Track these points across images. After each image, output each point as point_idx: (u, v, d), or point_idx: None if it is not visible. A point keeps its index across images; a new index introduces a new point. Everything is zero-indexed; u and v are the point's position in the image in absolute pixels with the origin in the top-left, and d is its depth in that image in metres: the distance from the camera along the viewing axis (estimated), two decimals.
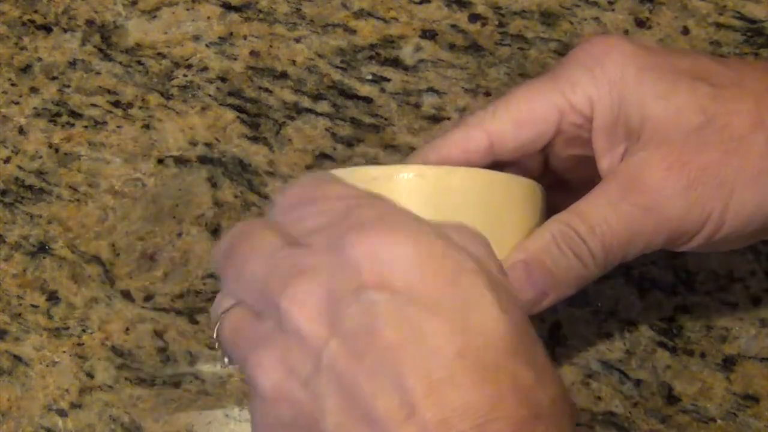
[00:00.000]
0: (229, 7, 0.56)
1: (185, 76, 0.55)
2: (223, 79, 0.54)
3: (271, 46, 0.55)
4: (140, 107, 0.54)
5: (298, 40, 0.55)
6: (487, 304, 0.32)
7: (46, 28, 0.56)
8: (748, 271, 0.49)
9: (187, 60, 0.55)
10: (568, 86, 0.41)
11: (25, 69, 0.55)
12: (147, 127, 0.54)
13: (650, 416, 0.47)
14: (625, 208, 0.39)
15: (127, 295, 0.50)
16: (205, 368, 0.49)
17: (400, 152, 0.52)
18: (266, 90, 0.54)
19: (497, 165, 0.42)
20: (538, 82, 0.42)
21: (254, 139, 0.53)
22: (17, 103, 0.55)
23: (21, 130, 0.54)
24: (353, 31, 0.55)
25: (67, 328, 0.50)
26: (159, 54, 0.55)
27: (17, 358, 0.50)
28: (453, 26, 0.55)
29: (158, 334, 0.50)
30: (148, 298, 0.50)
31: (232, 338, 0.35)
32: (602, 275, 0.40)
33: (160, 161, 0.53)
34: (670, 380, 0.48)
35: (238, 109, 0.54)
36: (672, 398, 0.48)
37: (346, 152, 0.53)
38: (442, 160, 0.42)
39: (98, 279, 0.51)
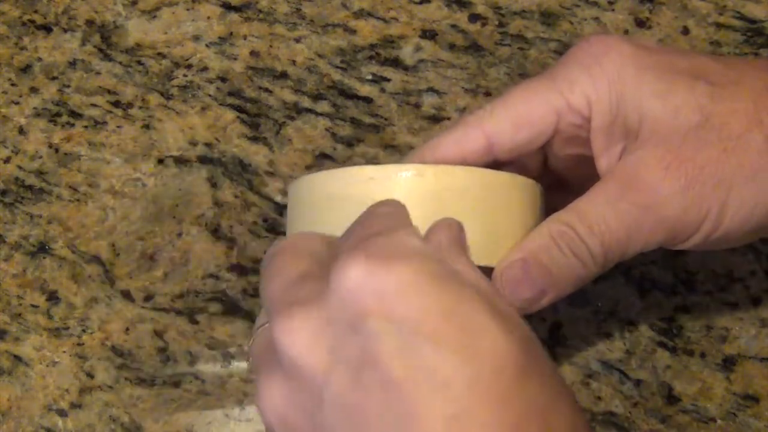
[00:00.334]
0: (229, 7, 0.56)
1: (185, 76, 0.55)
2: (223, 79, 0.54)
3: (271, 46, 0.55)
4: (140, 107, 0.54)
5: (298, 40, 0.55)
6: (492, 329, 0.32)
7: (46, 28, 0.56)
8: (748, 271, 0.49)
9: (187, 60, 0.55)
10: (566, 86, 0.41)
11: (25, 69, 0.55)
12: (147, 127, 0.54)
13: (650, 416, 0.47)
14: (624, 207, 0.39)
15: (127, 295, 0.50)
16: (205, 368, 0.49)
17: (400, 152, 0.52)
18: (266, 90, 0.54)
19: (496, 164, 0.42)
20: (536, 82, 0.42)
21: (254, 139, 0.53)
22: (17, 103, 0.55)
23: (21, 130, 0.54)
24: (353, 31, 0.55)
25: (67, 328, 0.50)
26: (159, 54, 0.55)
27: (17, 358, 0.50)
28: (453, 26, 0.55)
29: (158, 334, 0.50)
30: (148, 298, 0.50)
31: (256, 358, 0.35)
32: (600, 274, 0.40)
33: (160, 161, 0.53)
34: (670, 380, 0.48)
35: (238, 109, 0.54)
36: (672, 398, 0.48)
37: (346, 152, 0.53)
38: (440, 159, 0.42)
39: (98, 279, 0.51)
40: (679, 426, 0.47)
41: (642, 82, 0.40)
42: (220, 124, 0.54)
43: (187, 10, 0.56)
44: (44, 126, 0.54)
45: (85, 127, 0.54)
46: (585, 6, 0.54)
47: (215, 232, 0.51)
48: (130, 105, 0.54)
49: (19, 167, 0.53)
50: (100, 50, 0.56)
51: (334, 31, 0.55)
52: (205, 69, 0.55)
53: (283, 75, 0.54)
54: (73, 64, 0.55)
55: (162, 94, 0.54)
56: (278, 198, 0.52)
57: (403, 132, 0.53)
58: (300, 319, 0.32)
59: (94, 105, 0.54)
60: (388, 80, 0.54)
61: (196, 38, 0.55)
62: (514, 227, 0.40)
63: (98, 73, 0.55)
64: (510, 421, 0.30)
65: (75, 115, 0.54)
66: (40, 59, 0.56)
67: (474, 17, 0.55)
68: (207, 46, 0.55)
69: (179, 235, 0.52)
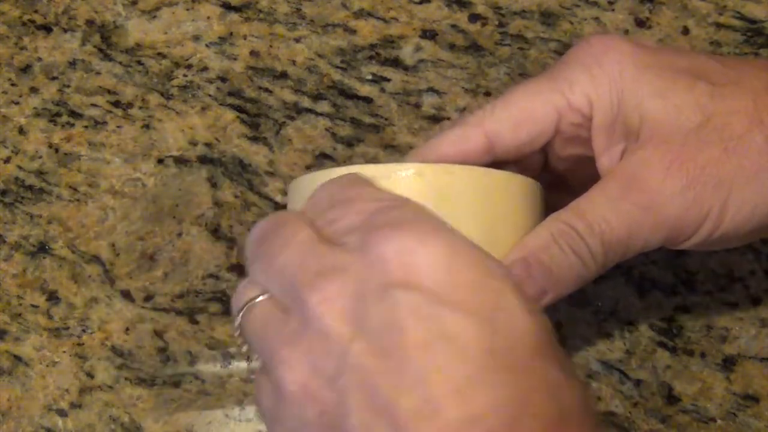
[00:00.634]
0: (229, 7, 0.56)
1: (185, 76, 0.55)
2: (223, 79, 0.54)
3: (271, 46, 0.55)
4: (140, 107, 0.54)
5: (298, 40, 0.55)
6: (515, 307, 0.32)
7: (46, 28, 0.56)
8: (748, 271, 0.49)
9: (187, 60, 0.55)
10: (567, 86, 0.41)
11: (25, 69, 0.55)
12: (147, 127, 0.54)
13: (650, 416, 0.47)
14: (625, 207, 0.39)
15: (127, 295, 0.50)
16: (205, 368, 0.49)
17: (400, 152, 0.52)
18: (266, 90, 0.54)
19: (496, 164, 0.42)
20: (537, 82, 0.42)
21: (254, 139, 0.53)
22: (17, 103, 0.55)
23: (21, 130, 0.54)
24: (353, 31, 0.55)
25: (67, 328, 0.50)
26: (159, 54, 0.55)
27: (17, 358, 0.50)
28: (453, 26, 0.55)
29: (158, 334, 0.50)
30: (148, 298, 0.50)
31: (260, 332, 0.35)
32: (601, 274, 0.40)
33: (160, 161, 0.53)
34: (670, 380, 0.48)
35: (238, 109, 0.54)
36: (672, 398, 0.48)
37: (346, 152, 0.53)
38: (441, 158, 0.42)
39: (98, 279, 0.51)
40: (679, 426, 0.47)
41: (642, 81, 0.40)
42: (220, 124, 0.54)
43: (187, 10, 0.56)
44: (44, 126, 0.54)
45: (85, 127, 0.54)
46: (585, 6, 0.54)
47: (215, 232, 0.51)
48: (130, 105, 0.54)
49: (19, 167, 0.53)
50: (100, 50, 0.56)
51: (334, 31, 0.55)
52: (205, 69, 0.55)
53: (283, 75, 0.54)
54: (73, 64, 0.55)
55: (162, 94, 0.54)
56: (278, 198, 0.52)
57: (403, 132, 0.53)
58: (333, 290, 0.32)
59: (94, 105, 0.54)
60: (388, 80, 0.54)
61: (196, 38, 0.55)
62: (514, 226, 0.40)
63: (98, 73, 0.55)
64: (522, 391, 0.31)
65: (75, 115, 0.54)
66: (40, 59, 0.56)
67: (474, 17, 0.55)
68: (207, 46, 0.55)
69: (179, 235, 0.52)
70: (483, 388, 0.30)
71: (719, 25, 0.54)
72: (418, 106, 0.53)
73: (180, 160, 0.53)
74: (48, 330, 0.50)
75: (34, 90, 0.55)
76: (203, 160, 0.53)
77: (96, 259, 0.51)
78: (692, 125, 0.39)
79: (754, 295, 0.49)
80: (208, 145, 0.53)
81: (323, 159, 0.52)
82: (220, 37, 0.55)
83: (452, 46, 0.54)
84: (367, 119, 0.53)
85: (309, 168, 0.52)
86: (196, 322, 0.50)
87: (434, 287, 0.32)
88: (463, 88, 0.53)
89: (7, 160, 0.54)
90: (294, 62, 0.55)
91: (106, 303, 0.50)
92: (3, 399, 0.49)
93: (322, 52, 0.55)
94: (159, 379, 0.49)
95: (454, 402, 0.30)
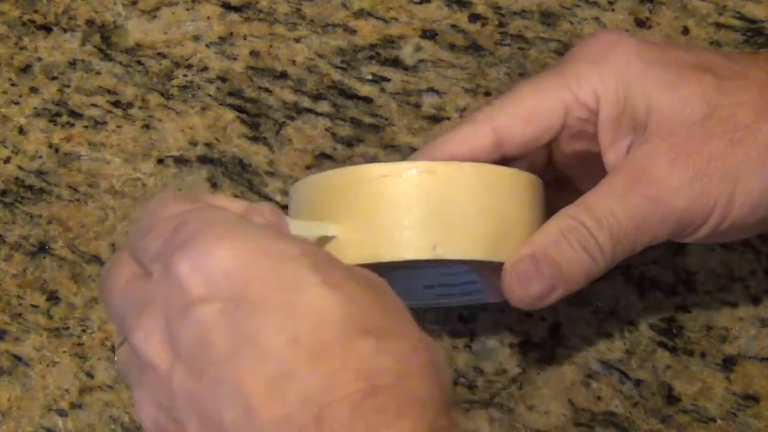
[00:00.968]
0: (229, 7, 0.56)
1: (185, 76, 0.55)
2: (223, 79, 0.54)
3: (271, 46, 0.55)
4: (140, 107, 0.54)
5: (298, 40, 0.55)
6: (312, 284, 0.32)
7: (46, 28, 0.56)
8: (748, 271, 0.49)
9: (187, 60, 0.55)
10: (574, 80, 0.41)
11: (25, 69, 0.55)
12: (147, 127, 0.54)
13: (650, 416, 0.47)
14: (632, 199, 0.39)
15: None
16: None
17: (400, 152, 0.52)
18: (266, 90, 0.54)
19: (502, 160, 0.42)
20: (544, 78, 0.42)
21: (254, 139, 0.53)
22: (17, 103, 0.55)
23: (21, 130, 0.54)
24: (353, 31, 0.55)
25: (67, 328, 0.50)
26: (159, 54, 0.55)
27: (17, 358, 0.50)
28: (453, 26, 0.55)
29: None
30: None
31: (124, 375, 0.35)
32: (610, 269, 0.40)
33: (160, 161, 0.53)
34: (670, 380, 0.48)
35: (238, 109, 0.54)
36: (672, 398, 0.48)
37: (346, 152, 0.53)
38: (450, 156, 0.42)
39: (98, 279, 0.51)
40: (679, 426, 0.47)
41: (649, 75, 0.40)
42: (220, 124, 0.54)
43: (187, 10, 0.56)
44: (44, 126, 0.54)
45: (85, 127, 0.54)
46: (585, 6, 0.54)
47: None
48: (130, 105, 0.54)
49: (19, 167, 0.53)
50: (100, 50, 0.56)
51: (334, 31, 0.55)
52: (205, 69, 0.55)
53: (283, 75, 0.54)
54: (73, 64, 0.55)
55: (162, 94, 0.54)
56: (278, 198, 0.52)
57: (403, 132, 0.53)
58: (148, 324, 0.33)
59: (94, 105, 0.54)
60: (388, 80, 0.54)
61: (196, 38, 0.55)
62: (522, 223, 0.40)
63: (98, 73, 0.55)
64: (324, 374, 0.30)
65: (75, 115, 0.54)
66: (40, 59, 0.56)
67: (474, 17, 0.55)
68: (207, 46, 0.55)
69: None
70: (292, 381, 0.30)
71: (719, 25, 0.54)
72: (418, 106, 0.53)
73: (180, 160, 0.53)
74: (48, 330, 0.50)
75: (34, 90, 0.55)
76: (203, 160, 0.53)
77: (96, 259, 0.51)
78: (698, 117, 0.39)
79: (754, 295, 0.49)
80: (208, 145, 0.53)
81: (323, 159, 0.52)
82: (220, 37, 0.55)
83: (452, 46, 0.54)
84: (367, 119, 0.53)
85: (309, 168, 0.52)
86: None
87: (230, 291, 0.32)
88: (463, 88, 0.53)
89: (7, 160, 0.54)
90: (294, 62, 0.55)
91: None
92: (3, 399, 0.49)
93: (322, 52, 0.55)
94: None
95: (268, 404, 0.30)
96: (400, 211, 0.39)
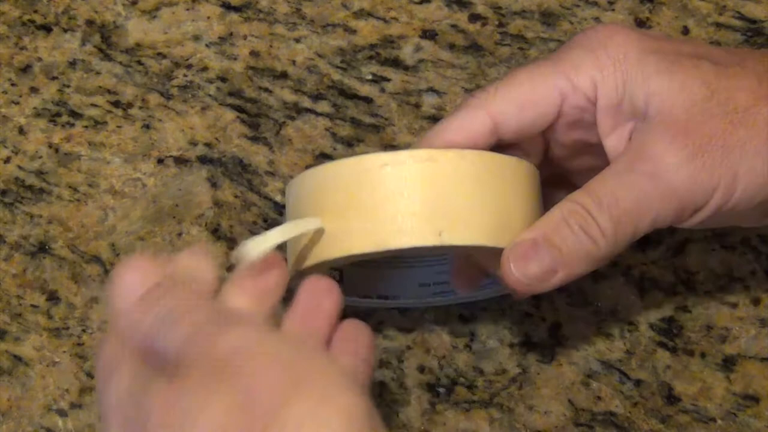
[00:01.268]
0: (229, 7, 0.56)
1: (185, 76, 0.55)
2: (223, 79, 0.54)
3: (271, 46, 0.55)
4: (140, 107, 0.54)
5: (298, 40, 0.55)
6: None
7: (46, 28, 0.56)
8: (748, 271, 0.49)
9: (187, 60, 0.55)
10: (571, 68, 0.41)
11: (25, 69, 0.55)
12: (147, 127, 0.54)
13: (650, 416, 0.47)
14: (631, 177, 0.39)
15: None
16: None
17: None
18: (266, 90, 0.54)
19: (499, 147, 0.42)
20: (540, 65, 0.42)
21: (254, 139, 0.53)
22: (17, 103, 0.55)
23: (21, 130, 0.54)
24: (353, 31, 0.55)
25: (67, 328, 0.50)
26: (159, 54, 0.55)
27: (17, 358, 0.50)
28: (453, 26, 0.55)
29: None
30: None
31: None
32: (614, 253, 0.40)
33: (160, 161, 0.53)
34: (670, 380, 0.48)
35: (238, 109, 0.54)
36: (672, 398, 0.48)
37: (346, 152, 0.53)
38: (448, 142, 0.42)
39: (98, 279, 0.51)
40: (679, 426, 0.47)
41: (647, 62, 0.40)
42: (220, 124, 0.54)
43: (187, 10, 0.56)
44: (44, 126, 0.54)
45: (85, 127, 0.54)
46: (585, 6, 0.54)
47: (215, 232, 0.51)
48: (130, 105, 0.54)
49: (19, 167, 0.53)
50: (100, 50, 0.56)
51: (334, 31, 0.55)
52: (205, 69, 0.55)
53: (283, 75, 0.54)
54: (73, 64, 0.55)
55: (162, 94, 0.54)
56: (278, 198, 0.52)
57: (403, 132, 0.53)
58: None
59: (94, 105, 0.54)
60: (388, 80, 0.54)
61: (196, 38, 0.55)
62: (523, 209, 0.41)
63: (98, 73, 0.55)
64: None
65: (75, 115, 0.54)
66: (40, 59, 0.56)
67: (474, 17, 0.55)
68: (207, 46, 0.55)
69: (179, 235, 0.52)
70: None
71: (719, 25, 0.54)
72: (418, 106, 0.53)
73: (180, 160, 0.53)
74: (48, 330, 0.50)
75: (34, 90, 0.55)
76: (203, 160, 0.53)
77: (96, 259, 0.51)
78: (697, 98, 0.39)
79: (754, 295, 0.49)
80: (208, 145, 0.53)
81: (323, 159, 0.52)
82: (220, 37, 0.55)
83: (452, 46, 0.54)
84: (367, 119, 0.53)
85: (309, 168, 0.52)
86: None
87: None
88: (463, 88, 0.53)
89: (7, 160, 0.54)
90: (294, 62, 0.55)
91: (106, 303, 0.50)
92: (3, 399, 0.49)
93: (322, 52, 0.55)
94: None
95: None
96: (404, 199, 0.39)
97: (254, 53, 0.55)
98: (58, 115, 0.54)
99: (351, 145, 0.53)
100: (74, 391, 0.49)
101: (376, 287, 0.46)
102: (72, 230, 0.52)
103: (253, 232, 0.51)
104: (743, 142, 0.39)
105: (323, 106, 0.54)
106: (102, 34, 0.56)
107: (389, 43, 0.55)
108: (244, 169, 0.53)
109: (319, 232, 0.40)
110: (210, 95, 0.54)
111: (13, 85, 0.55)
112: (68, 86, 0.55)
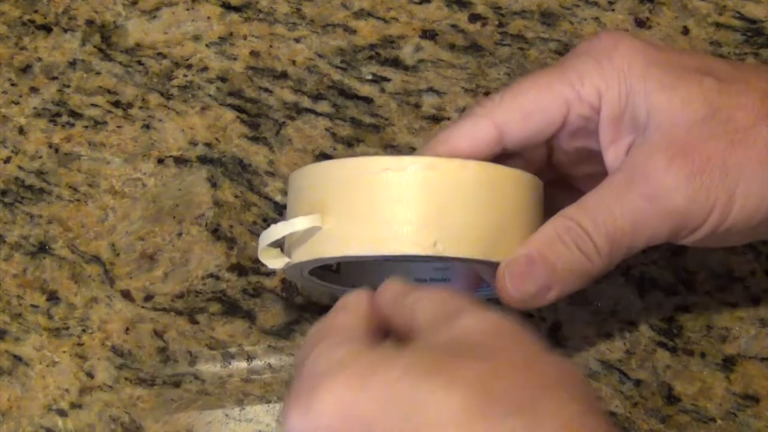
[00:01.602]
0: (229, 7, 0.56)
1: (185, 76, 0.55)
2: (223, 79, 0.54)
3: (271, 46, 0.55)
4: (140, 107, 0.54)
5: (298, 40, 0.55)
6: (429, 399, 0.31)
7: (46, 28, 0.56)
8: (748, 271, 0.49)
9: (187, 60, 0.55)
10: (577, 77, 0.41)
11: (25, 69, 0.55)
12: (147, 127, 0.54)
13: (650, 416, 0.47)
14: (628, 198, 0.39)
15: (127, 295, 0.50)
16: (205, 368, 0.49)
17: (400, 152, 0.52)
18: (266, 90, 0.54)
19: (503, 156, 0.42)
20: (546, 73, 0.42)
21: (254, 139, 0.53)
22: (17, 103, 0.55)
23: (21, 130, 0.54)
24: (353, 31, 0.55)
25: (67, 328, 0.50)
26: (159, 54, 0.55)
27: (17, 358, 0.50)
28: (453, 26, 0.55)
29: (158, 334, 0.50)
30: (148, 298, 0.50)
31: None
32: (608, 269, 0.40)
33: (160, 161, 0.53)
34: (670, 380, 0.48)
35: (238, 109, 0.54)
36: (672, 398, 0.48)
37: (346, 152, 0.53)
38: (452, 150, 0.42)
39: (98, 279, 0.51)
40: (679, 426, 0.47)
41: (650, 76, 0.40)
42: (220, 124, 0.54)
43: (187, 10, 0.56)
44: (44, 126, 0.54)
45: (85, 127, 0.54)
46: (585, 6, 0.54)
47: (215, 232, 0.51)
48: (130, 105, 0.54)
49: (19, 167, 0.53)
50: (100, 50, 0.56)
51: (334, 31, 0.55)
52: (205, 69, 0.55)
53: (283, 75, 0.54)
54: (73, 64, 0.55)
55: (162, 94, 0.54)
56: (278, 198, 0.52)
57: (403, 132, 0.53)
58: None
59: (94, 105, 0.54)
60: (388, 80, 0.54)
61: (196, 38, 0.55)
62: (522, 224, 0.41)
63: (98, 73, 0.55)
64: None
65: (75, 115, 0.54)
66: (40, 59, 0.56)
67: (474, 17, 0.55)
68: (207, 46, 0.55)
69: (179, 235, 0.52)
70: None
71: (719, 25, 0.54)
72: (418, 106, 0.53)
73: (180, 160, 0.53)
74: (48, 330, 0.50)
75: (34, 90, 0.55)
76: (203, 160, 0.53)
77: (96, 259, 0.51)
78: (698, 117, 0.39)
79: (754, 295, 0.49)
80: (208, 145, 0.53)
81: (323, 159, 0.52)
82: (220, 37, 0.55)
83: (452, 46, 0.54)
84: (367, 119, 0.53)
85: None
86: (196, 322, 0.50)
87: None
88: (463, 88, 0.53)
89: (7, 160, 0.54)
90: (294, 62, 0.55)
91: (106, 303, 0.50)
92: (3, 399, 0.49)
93: (322, 52, 0.55)
94: (159, 379, 0.49)
95: None
96: (402, 205, 0.39)
97: (254, 53, 0.55)
98: (58, 115, 0.54)
99: (351, 145, 0.53)
100: (74, 391, 0.49)
101: (372, 280, 0.46)
102: (72, 230, 0.52)
103: (253, 232, 0.51)
104: (742, 163, 0.39)
105: (323, 106, 0.54)
106: (102, 34, 0.56)
107: (389, 43, 0.55)
108: (244, 169, 0.53)
109: (317, 229, 0.40)
110: (210, 95, 0.54)
111: (13, 85, 0.55)
112: (68, 86, 0.55)
